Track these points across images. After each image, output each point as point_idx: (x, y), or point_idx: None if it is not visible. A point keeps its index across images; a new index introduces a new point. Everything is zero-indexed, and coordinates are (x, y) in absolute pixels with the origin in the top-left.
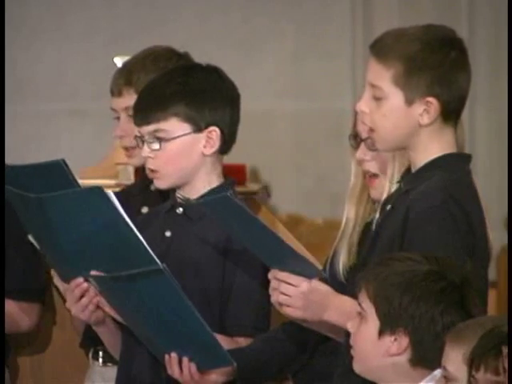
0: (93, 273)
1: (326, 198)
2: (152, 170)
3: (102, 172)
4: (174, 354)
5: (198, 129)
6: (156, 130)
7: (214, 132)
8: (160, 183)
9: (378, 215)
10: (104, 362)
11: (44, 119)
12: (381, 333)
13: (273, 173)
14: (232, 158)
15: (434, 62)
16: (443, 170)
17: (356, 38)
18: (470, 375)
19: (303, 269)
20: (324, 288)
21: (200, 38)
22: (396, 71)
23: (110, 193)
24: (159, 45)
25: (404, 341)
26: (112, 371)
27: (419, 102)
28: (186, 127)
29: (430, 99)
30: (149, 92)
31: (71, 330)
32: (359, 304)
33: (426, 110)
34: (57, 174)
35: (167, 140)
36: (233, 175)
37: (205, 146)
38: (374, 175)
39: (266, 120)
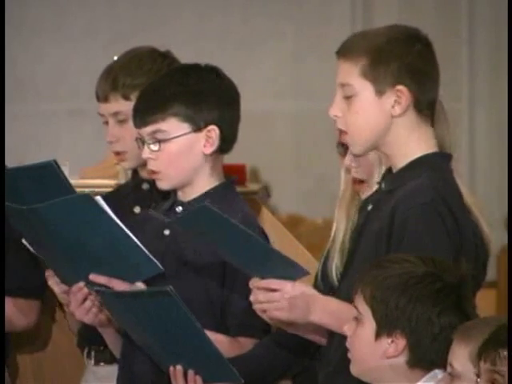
0: (91, 277)
1: (325, 198)
2: (153, 172)
3: (102, 172)
4: (179, 367)
5: (197, 128)
6: (155, 131)
7: (213, 131)
8: (162, 184)
9: (357, 215)
10: (96, 362)
11: (44, 119)
12: (378, 335)
13: (273, 173)
14: (232, 158)
15: (400, 52)
16: (428, 168)
17: None
18: (478, 367)
19: (288, 270)
20: (308, 289)
21: (200, 38)
22: (363, 64)
23: (99, 198)
24: (141, 46)
25: (401, 343)
26: (104, 370)
27: (389, 91)
28: (185, 127)
29: (400, 87)
30: (148, 94)
31: None
32: (355, 307)
33: (397, 100)
34: (49, 174)
35: (166, 140)
36: (233, 175)
37: (205, 146)
38: (362, 181)
39: (266, 120)
